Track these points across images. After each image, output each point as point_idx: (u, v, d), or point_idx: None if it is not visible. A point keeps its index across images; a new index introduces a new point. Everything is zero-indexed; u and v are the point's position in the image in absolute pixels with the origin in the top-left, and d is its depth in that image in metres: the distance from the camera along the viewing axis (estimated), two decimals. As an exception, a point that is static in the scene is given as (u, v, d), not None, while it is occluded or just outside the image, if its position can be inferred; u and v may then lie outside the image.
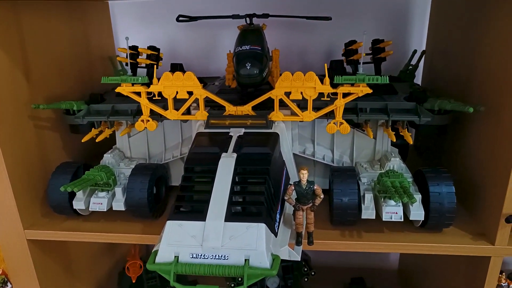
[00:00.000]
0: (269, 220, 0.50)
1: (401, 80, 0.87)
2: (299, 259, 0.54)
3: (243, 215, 0.51)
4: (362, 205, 0.63)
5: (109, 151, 0.76)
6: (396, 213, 0.61)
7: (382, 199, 0.62)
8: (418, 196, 0.61)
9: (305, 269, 0.91)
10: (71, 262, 0.86)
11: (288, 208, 0.60)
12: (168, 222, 0.50)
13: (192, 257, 0.47)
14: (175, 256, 0.47)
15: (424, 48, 0.94)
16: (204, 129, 0.65)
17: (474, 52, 0.68)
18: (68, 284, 0.85)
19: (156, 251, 0.49)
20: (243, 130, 0.63)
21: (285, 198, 0.54)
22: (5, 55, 0.65)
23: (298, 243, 0.56)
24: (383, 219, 0.61)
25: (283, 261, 0.94)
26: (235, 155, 0.56)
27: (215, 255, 0.46)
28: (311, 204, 0.54)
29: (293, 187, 0.53)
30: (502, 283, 0.95)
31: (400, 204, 0.62)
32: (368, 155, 0.73)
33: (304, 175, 0.52)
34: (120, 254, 1.06)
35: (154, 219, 0.70)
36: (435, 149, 0.87)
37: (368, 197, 0.62)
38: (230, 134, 0.62)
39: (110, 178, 0.68)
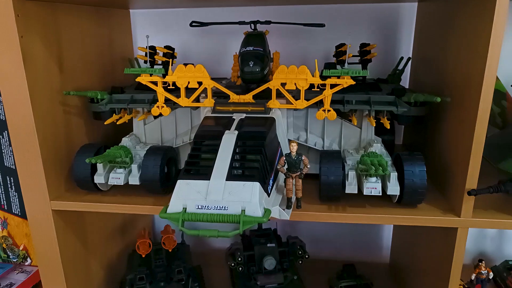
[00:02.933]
0: (263, 182, 0.60)
1: (388, 82, 0.97)
2: (288, 218, 0.63)
3: (241, 176, 0.61)
4: (346, 181, 0.72)
5: (127, 136, 0.86)
6: (376, 188, 0.70)
7: (364, 177, 0.72)
8: (394, 174, 0.70)
9: (300, 253, 1.00)
10: (87, 239, 0.95)
11: (281, 180, 0.70)
12: (179, 181, 0.60)
13: (198, 208, 0.57)
14: (183, 207, 0.57)
15: (411, 55, 1.05)
16: (211, 114, 0.76)
17: (447, 59, 0.79)
18: (84, 258, 0.94)
19: (167, 205, 0.59)
20: (244, 115, 0.73)
21: (278, 167, 0.64)
22: (44, 49, 0.77)
23: (288, 206, 0.65)
24: (364, 193, 0.70)
25: (280, 246, 1.05)
26: (236, 132, 0.67)
27: (217, 206, 0.56)
28: (299, 172, 0.64)
29: (284, 158, 0.63)
30: (482, 271, 1.02)
31: (379, 181, 0.71)
32: (354, 143, 0.83)
33: (294, 146, 0.62)
34: (129, 239, 1.15)
35: (164, 194, 0.80)
36: (418, 144, 0.96)
37: (351, 175, 0.72)
38: (233, 117, 0.72)
39: (128, 156, 0.79)
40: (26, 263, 1.03)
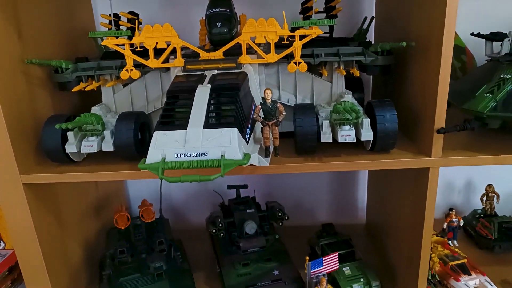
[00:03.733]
0: (239, 127, 0.60)
1: (354, 41, 0.99)
2: (267, 165, 0.64)
3: (219, 124, 0.60)
4: (321, 131, 0.73)
5: (97, 105, 0.83)
6: (350, 135, 0.72)
7: (338, 125, 0.73)
8: (367, 120, 0.72)
9: (280, 214, 1.00)
10: (62, 217, 0.92)
11: (258, 133, 0.70)
12: (155, 133, 0.59)
13: (177, 156, 0.56)
14: (162, 157, 0.56)
15: (374, 15, 1.07)
16: (182, 73, 0.75)
17: (408, 16, 0.82)
18: (60, 237, 0.91)
19: (145, 158, 0.58)
20: (216, 71, 0.73)
21: (254, 116, 0.64)
22: (1, 14, 0.73)
23: (267, 155, 0.66)
24: (339, 141, 0.72)
25: (260, 211, 1.05)
26: (209, 85, 0.66)
27: (196, 153, 0.56)
28: (275, 120, 0.64)
29: (260, 106, 0.64)
30: (453, 219, 1.07)
31: (353, 128, 0.73)
32: (326, 98, 0.84)
33: (268, 94, 0.63)
34: (106, 218, 1.12)
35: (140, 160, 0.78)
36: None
37: (325, 124, 0.73)
38: (205, 74, 0.72)
39: (99, 123, 0.76)
40: (0, 247, 0.99)
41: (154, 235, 0.98)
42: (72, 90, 0.80)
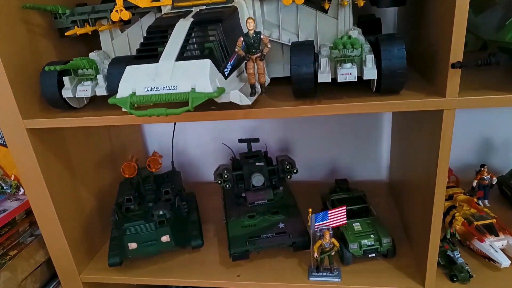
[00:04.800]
0: (216, 60, 0.55)
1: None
2: (250, 103, 0.59)
3: (192, 57, 0.56)
4: (319, 70, 0.67)
5: (94, 51, 0.82)
6: (350, 73, 0.64)
7: (339, 64, 0.66)
8: (370, 56, 0.64)
9: (288, 167, 0.96)
10: (73, 166, 0.94)
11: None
12: (127, 67, 0.56)
13: (147, 90, 0.53)
14: (132, 91, 0.54)
15: None
16: (170, 11, 0.71)
17: None
18: (72, 185, 0.93)
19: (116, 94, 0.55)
20: (204, 6, 0.68)
21: (236, 49, 0.59)
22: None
23: (252, 94, 0.61)
24: (339, 80, 0.65)
25: (269, 164, 1.01)
26: (192, 19, 0.62)
27: (166, 86, 0.52)
28: (259, 53, 0.59)
29: (242, 38, 0.58)
30: (484, 176, 0.97)
31: (355, 66, 0.65)
32: (332, 37, 0.76)
33: (250, 23, 0.57)
34: (119, 172, 1.14)
35: (135, 105, 0.77)
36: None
37: (324, 62, 0.66)
38: (191, 10, 0.67)
39: (92, 67, 0.75)
40: (20, 193, 1.05)
41: (162, 185, 0.98)
42: (65, 35, 0.79)
